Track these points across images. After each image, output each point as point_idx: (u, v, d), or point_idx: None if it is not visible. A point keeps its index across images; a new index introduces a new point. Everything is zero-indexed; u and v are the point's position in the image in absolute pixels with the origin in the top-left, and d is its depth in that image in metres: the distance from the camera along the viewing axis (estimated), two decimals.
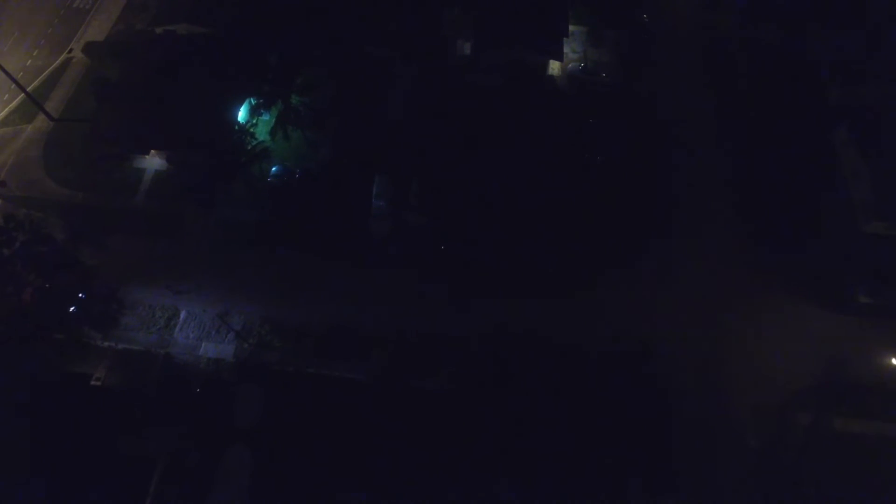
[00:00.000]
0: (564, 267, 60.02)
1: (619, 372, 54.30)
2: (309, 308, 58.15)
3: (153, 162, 65.95)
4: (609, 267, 60.79)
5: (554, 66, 74.00)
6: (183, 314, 57.88)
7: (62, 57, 74.12)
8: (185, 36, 71.81)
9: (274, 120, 63.55)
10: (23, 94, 67.95)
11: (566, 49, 74.60)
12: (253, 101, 65.20)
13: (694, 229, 63.60)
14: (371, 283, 59.22)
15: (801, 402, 53.70)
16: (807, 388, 54.55)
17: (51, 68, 72.83)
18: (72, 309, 56.31)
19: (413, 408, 53.39)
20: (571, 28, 76.72)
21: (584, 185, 64.89)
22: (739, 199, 65.64)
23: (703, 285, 60.01)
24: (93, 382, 52.12)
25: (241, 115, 64.96)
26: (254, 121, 65.25)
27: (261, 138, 63.88)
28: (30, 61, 73.54)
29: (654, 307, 58.56)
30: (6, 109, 69.57)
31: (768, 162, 67.30)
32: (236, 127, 63.33)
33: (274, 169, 64.58)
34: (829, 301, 59.28)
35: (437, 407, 53.34)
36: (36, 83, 71.43)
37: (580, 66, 74.12)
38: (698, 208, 64.98)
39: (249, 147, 62.24)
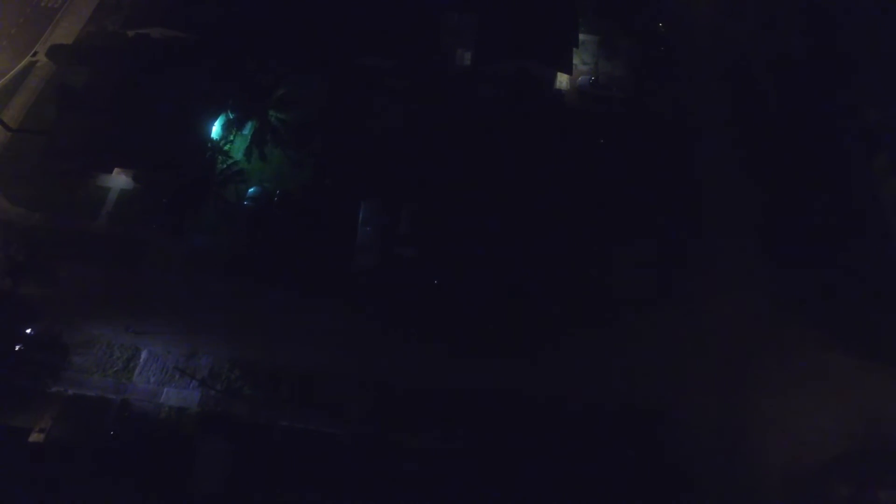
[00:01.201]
0: (571, 309, 53.83)
1: (630, 436, 48.12)
2: (284, 351, 52.02)
3: (118, 180, 59.79)
4: (621, 309, 54.52)
5: (562, 80, 67.74)
6: (144, 355, 51.80)
7: (25, 60, 67.87)
8: (159, 41, 65.82)
9: (250, 137, 57.31)
10: None
11: (575, 60, 68.34)
12: (231, 115, 58.99)
13: (715, 269, 57.29)
14: (354, 322, 53.10)
15: (838, 471, 47.56)
16: (844, 455, 48.39)
17: (11, 73, 66.61)
18: (17, 347, 50.25)
19: (396, 468, 47.39)
20: (581, 37, 70.59)
21: (592, 214, 58.64)
22: (765, 233, 59.23)
23: (726, 331, 53.80)
24: (32, 438, 45.96)
25: (216, 130, 58.70)
26: (231, 137, 59.06)
27: (237, 157, 57.64)
28: None
29: (669, 358, 52.33)
30: None
31: (798, 195, 60.91)
32: (209, 144, 57.09)
33: (251, 190, 58.44)
34: (863, 348, 53.08)
35: (423, 468, 47.35)
36: None
37: (591, 79, 67.85)
38: (720, 243, 58.62)
39: (222, 168, 56.01)
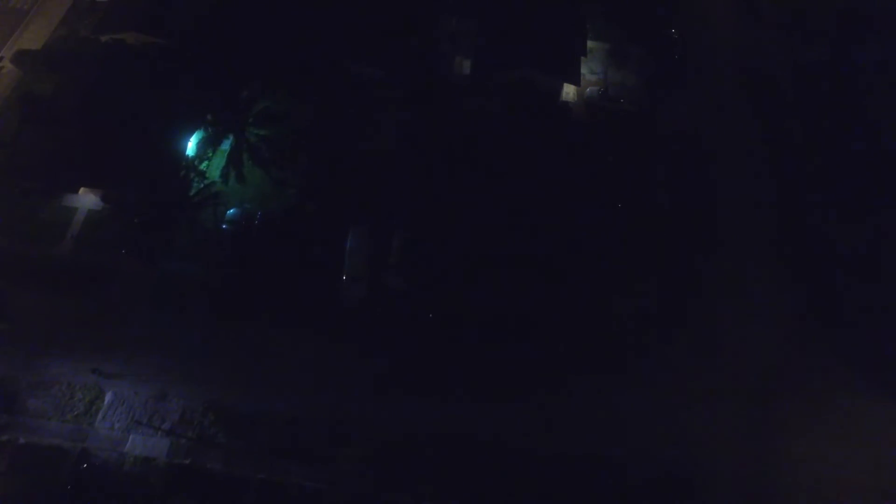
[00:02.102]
0: (576, 348, 48.98)
1: None
2: (263, 393, 47.17)
3: (86, 200, 54.85)
4: (630, 347, 49.76)
5: (569, 91, 62.83)
6: (109, 396, 46.89)
7: None
8: (134, 47, 60.81)
9: (226, 157, 52.28)
10: None
11: (583, 70, 63.37)
12: (209, 130, 54.02)
13: (737, 303, 52.44)
14: (343, 361, 48.31)
15: None
16: None
17: None
18: None
19: None
20: (590, 45, 65.70)
21: (602, 241, 53.77)
22: (788, 264, 54.35)
23: (748, 369, 49.05)
24: None
25: (191, 147, 53.71)
26: (208, 154, 54.05)
27: (213, 177, 52.65)
28: None
29: (688, 412, 47.54)
30: None
31: (827, 222, 56.03)
32: (183, 162, 52.14)
33: (230, 212, 53.54)
34: None
35: None
36: None
37: (599, 90, 62.93)
38: (742, 274, 53.71)
39: (196, 189, 51.05)
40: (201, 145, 52.82)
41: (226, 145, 53.40)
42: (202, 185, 51.19)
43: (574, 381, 48.01)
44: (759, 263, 54.25)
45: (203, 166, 53.08)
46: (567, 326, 49.93)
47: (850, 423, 47.13)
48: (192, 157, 52.39)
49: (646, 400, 47.51)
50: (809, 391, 48.31)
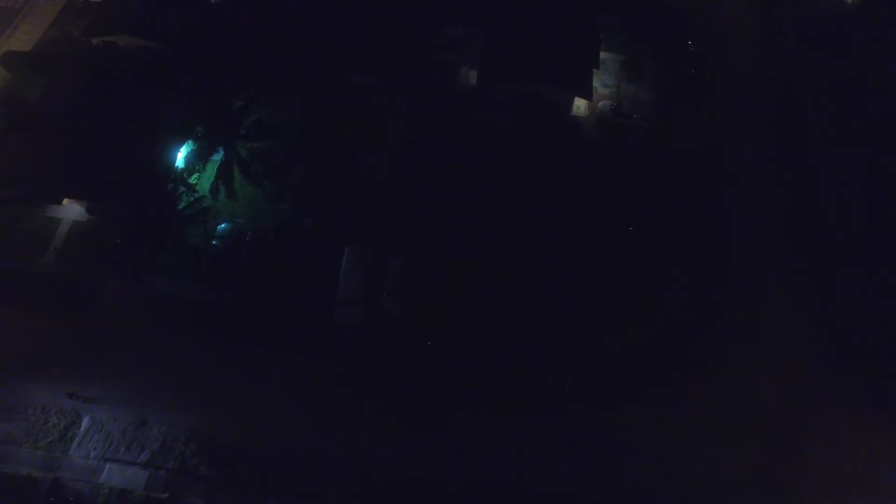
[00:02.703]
0: (583, 386, 46.05)
1: None
2: (249, 422, 44.49)
3: (71, 211, 52.35)
4: (640, 384, 46.78)
5: (580, 105, 59.91)
6: (85, 422, 44.25)
7: None
8: (126, 51, 58.33)
9: (216, 172, 49.58)
10: None
11: (595, 83, 60.40)
12: (200, 142, 51.33)
13: (757, 335, 49.48)
14: (333, 390, 45.55)
15: None
16: None
17: None
18: None
19: None
20: (603, 56, 62.79)
21: (613, 266, 50.86)
22: (808, 299, 51.11)
23: (766, 413, 45.97)
24: None
25: (181, 158, 51.07)
26: (199, 167, 51.38)
27: (205, 191, 49.97)
28: None
29: (697, 451, 44.61)
30: None
31: (850, 257, 52.89)
32: (172, 175, 49.50)
33: (221, 227, 50.90)
34: None
35: None
36: None
37: (612, 105, 60.00)
38: (759, 306, 50.69)
39: (184, 203, 48.40)
40: (191, 157, 50.17)
41: (218, 157, 50.73)
42: (192, 199, 48.51)
43: (579, 417, 45.14)
44: (777, 294, 51.20)
45: (193, 179, 50.44)
46: (575, 357, 47.12)
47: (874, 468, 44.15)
48: (182, 169, 49.73)
49: (654, 441, 44.58)
50: (836, 438, 45.28)
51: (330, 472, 42.85)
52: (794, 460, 44.09)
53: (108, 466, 42.86)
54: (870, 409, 46.20)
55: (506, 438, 43.90)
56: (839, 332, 49.16)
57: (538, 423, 44.25)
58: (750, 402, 46.03)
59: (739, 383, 46.88)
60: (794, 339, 48.74)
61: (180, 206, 48.05)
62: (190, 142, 50.49)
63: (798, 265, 52.52)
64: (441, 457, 43.29)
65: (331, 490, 42.32)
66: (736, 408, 45.86)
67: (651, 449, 43.93)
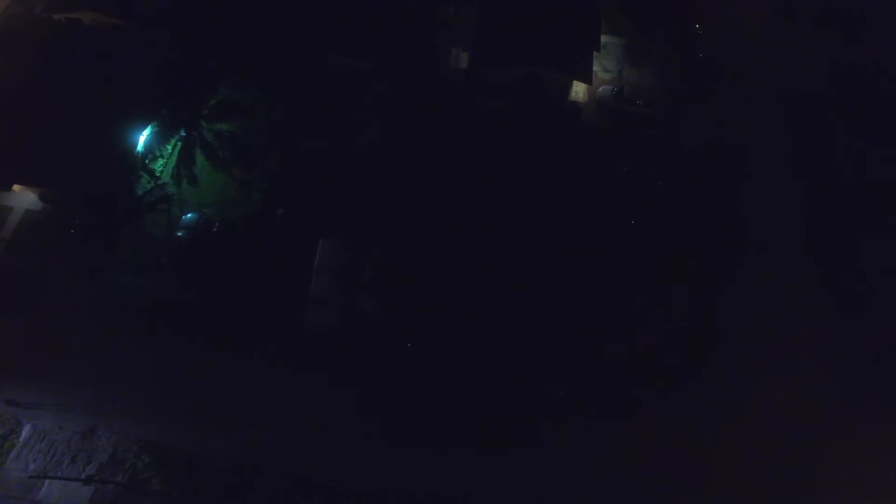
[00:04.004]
0: (579, 391, 41.75)
1: None
2: (210, 431, 40.23)
3: (24, 198, 48.07)
4: (642, 391, 42.54)
5: (579, 90, 55.71)
6: (26, 430, 39.89)
7: None
8: (90, 28, 54.11)
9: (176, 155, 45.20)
10: None
11: (595, 67, 56.12)
12: (164, 123, 47.05)
13: (765, 345, 45.17)
14: (303, 397, 41.29)
15: None
16: None
17: None
18: None
19: None
20: (604, 39, 58.47)
21: (609, 263, 46.59)
22: (828, 307, 46.84)
23: (780, 429, 41.68)
24: None
25: (143, 141, 46.79)
26: (163, 151, 47.04)
27: (165, 178, 45.64)
28: None
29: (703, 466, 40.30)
30: None
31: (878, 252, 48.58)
32: (132, 160, 45.26)
33: (186, 217, 46.68)
34: None
35: None
36: None
37: (613, 90, 55.71)
38: (775, 311, 46.37)
39: (144, 190, 44.12)
40: (154, 141, 45.80)
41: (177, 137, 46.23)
42: (152, 186, 44.16)
43: (577, 428, 40.87)
44: (795, 298, 46.86)
45: (158, 166, 46.10)
46: (570, 363, 42.86)
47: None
48: (144, 153, 45.43)
49: (665, 451, 40.32)
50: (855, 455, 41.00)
51: (301, 488, 38.73)
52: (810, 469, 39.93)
53: (47, 483, 38.50)
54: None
55: (491, 455, 39.69)
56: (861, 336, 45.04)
57: (529, 437, 40.02)
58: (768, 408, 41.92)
59: (756, 388, 42.75)
60: (813, 345, 44.53)
61: (140, 193, 43.72)
62: (153, 125, 46.08)
63: (817, 263, 48.32)
64: (420, 474, 39.12)
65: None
66: (751, 414, 41.69)
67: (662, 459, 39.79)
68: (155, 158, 45.46)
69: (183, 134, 44.40)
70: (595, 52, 55.84)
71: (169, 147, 47.97)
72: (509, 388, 41.60)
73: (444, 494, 38.46)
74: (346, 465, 39.24)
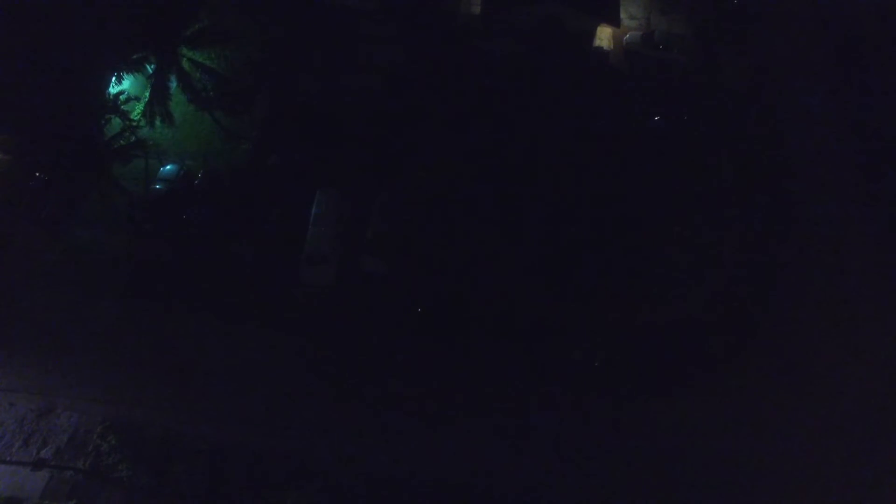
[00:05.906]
0: (602, 365, 36.08)
1: None
2: (187, 408, 34.51)
3: None
4: (689, 366, 36.90)
5: (604, 34, 50.27)
6: None
7: None
8: None
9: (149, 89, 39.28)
10: None
11: (622, 15, 50.81)
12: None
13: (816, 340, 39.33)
14: (295, 367, 35.62)
15: None
16: None
17: None
18: None
19: None
20: None
21: (644, 223, 41.04)
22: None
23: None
24: None
25: (115, 81, 41.05)
26: (137, 92, 41.29)
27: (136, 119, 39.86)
28: None
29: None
30: None
31: None
32: (102, 101, 39.59)
33: (165, 169, 41.02)
34: None
35: None
36: None
37: (642, 35, 50.17)
38: (830, 291, 40.69)
39: (112, 134, 38.36)
40: (129, 80, 40.04)
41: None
42: (124, 129, 38.41)
43: (598, 403, 35.19)
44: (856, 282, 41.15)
45: (136, 110, 40.24)
46: (592, 330, 37.22)
47: None
48: (116, 94, 39.73)
49: (703, 435, 34.67)
50: None
51: (292, 473, 33.03)
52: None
53: None
54: None
55: (514, 435, 34.09)
56: None
57: (555, 416, 34.34)
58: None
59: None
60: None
61: (109, 136, 37.98)
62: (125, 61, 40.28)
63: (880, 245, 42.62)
64: (432, 457, 33.42)
65: (293, 496, 32.52)
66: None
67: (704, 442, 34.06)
68: (129, 100, 39.71)
69: (154, 65, 38.48)
70: None
71: (148, 92, 42.29)
72: (534, 359, 36.01)
73: (455, 482, 32.83)
74: (346, 447, 33.56)
